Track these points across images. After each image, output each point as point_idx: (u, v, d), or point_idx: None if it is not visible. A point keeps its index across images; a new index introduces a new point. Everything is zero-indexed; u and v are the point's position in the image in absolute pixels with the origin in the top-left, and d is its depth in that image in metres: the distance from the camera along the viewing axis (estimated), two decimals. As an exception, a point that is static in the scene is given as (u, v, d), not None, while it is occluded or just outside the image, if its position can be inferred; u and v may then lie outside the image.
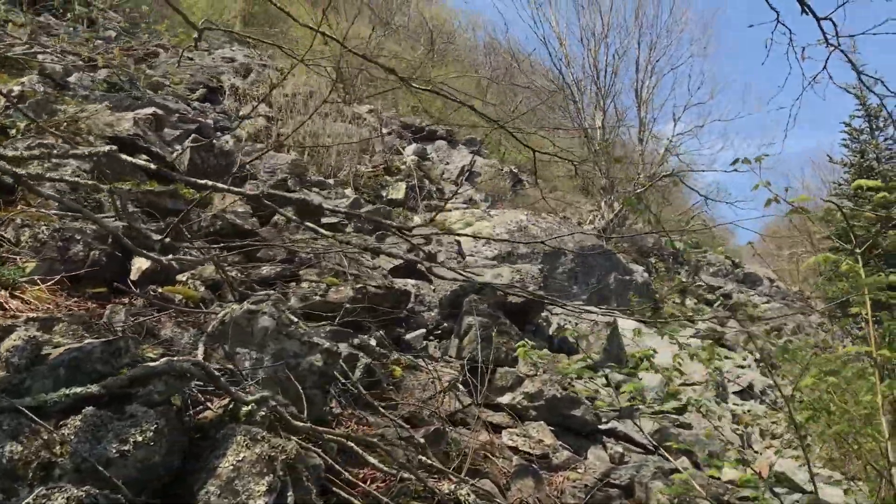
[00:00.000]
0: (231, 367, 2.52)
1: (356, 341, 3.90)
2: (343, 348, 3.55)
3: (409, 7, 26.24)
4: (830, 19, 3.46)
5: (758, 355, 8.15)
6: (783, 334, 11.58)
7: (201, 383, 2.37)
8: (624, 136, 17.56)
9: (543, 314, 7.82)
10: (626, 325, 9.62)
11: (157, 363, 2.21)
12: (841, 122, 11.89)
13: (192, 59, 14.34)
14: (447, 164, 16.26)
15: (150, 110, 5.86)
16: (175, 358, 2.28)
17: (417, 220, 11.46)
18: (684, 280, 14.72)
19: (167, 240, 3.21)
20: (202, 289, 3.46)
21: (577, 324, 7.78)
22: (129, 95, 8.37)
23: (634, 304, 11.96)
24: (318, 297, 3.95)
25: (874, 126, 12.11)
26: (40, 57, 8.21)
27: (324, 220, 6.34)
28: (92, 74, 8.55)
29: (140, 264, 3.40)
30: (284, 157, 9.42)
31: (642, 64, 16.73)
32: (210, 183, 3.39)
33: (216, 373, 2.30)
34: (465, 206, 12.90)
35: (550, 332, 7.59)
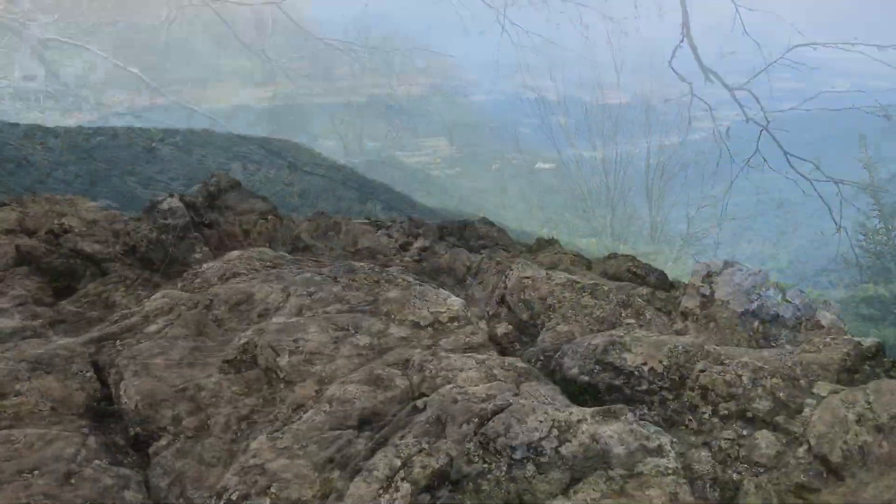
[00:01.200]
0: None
1: None
2: None
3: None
4: (748, 90, 3.09)
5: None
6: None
7: None
8: (635, 234, 17.17)
9: None
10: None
11: None
12: (855, 223, 11.51)
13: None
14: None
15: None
16: None
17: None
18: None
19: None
20: None
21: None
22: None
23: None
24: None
25: (890, 226, 11.61)
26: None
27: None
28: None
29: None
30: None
31: (653, 164, 16.54)
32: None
33: None
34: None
35: None
